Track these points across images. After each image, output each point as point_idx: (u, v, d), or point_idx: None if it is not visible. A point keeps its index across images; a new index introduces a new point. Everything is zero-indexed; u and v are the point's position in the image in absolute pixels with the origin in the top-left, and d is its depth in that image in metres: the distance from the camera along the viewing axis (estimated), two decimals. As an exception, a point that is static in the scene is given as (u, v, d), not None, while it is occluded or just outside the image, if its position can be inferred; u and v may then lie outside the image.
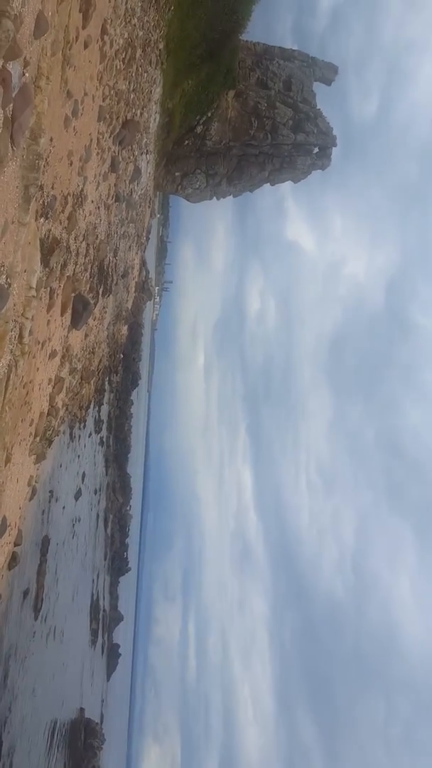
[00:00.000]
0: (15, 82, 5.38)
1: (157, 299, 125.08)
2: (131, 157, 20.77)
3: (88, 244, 14.55)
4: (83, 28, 9.49)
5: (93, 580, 35.70)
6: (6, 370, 7.42)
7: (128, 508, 58.39)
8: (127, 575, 60.59)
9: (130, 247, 29.12)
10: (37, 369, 10.64)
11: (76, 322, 13.23)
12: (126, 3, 14.28)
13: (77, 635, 29.22)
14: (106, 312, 23.74)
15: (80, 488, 25.89)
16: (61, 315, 11.97)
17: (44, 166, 8.05)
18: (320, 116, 39.10)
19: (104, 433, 39.43)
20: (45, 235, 9.04)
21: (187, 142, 36.67)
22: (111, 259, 20.94)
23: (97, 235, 16.22)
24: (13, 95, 5.37)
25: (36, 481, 14.00)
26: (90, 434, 30.79)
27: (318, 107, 39.71)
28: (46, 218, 8.95)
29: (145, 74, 20.90)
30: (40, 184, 7.70)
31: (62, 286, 11.57)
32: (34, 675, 17.08)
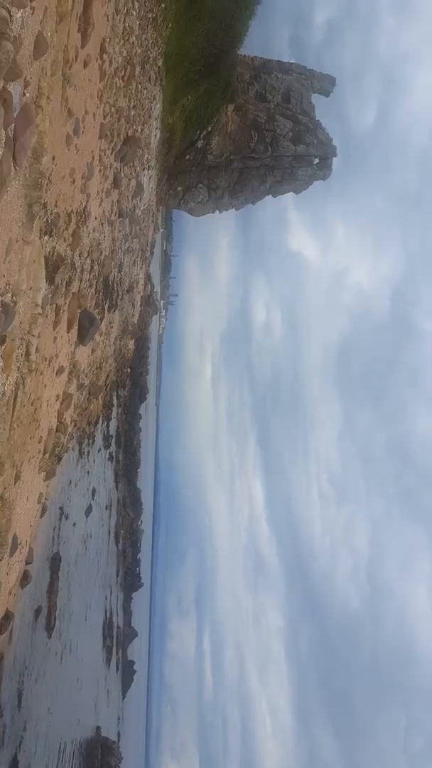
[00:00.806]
0: (16, 102, 5.44)
1: (163, 313, 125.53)
2: (133, 173, 20.94)
3: (92, 260, 14.63)
4: (82, 47, 9.61)
5: (106, 597, 35.54)
6: (14, 388, 7.43)
7: (139, 522, 58.18)
8: (140, 591, 60.34)
9: (134, 262, 29.27)
10: (45, 386, 10.66)
11: (82, 337, 13.29)
12: (124, 21, 14.47)
13: (91, 653, 29.03)
14: (112, 327, 23.81)
15: (90, 504, 25.84)
16: (68, 331, 12.01)
17: (47, 184, 8.12)
18: (320, 127, 39.33)
19: (113, 448, 39.41)
20: (50, 252, 9.10)
21: (188, 156, 36.96)
22: (116, 274, 21.04)
23: (102, 251, 16.31)
24: (15, 115, 5.42)
25: (46, 498, 13.98)
26: (99, 450, 30.78)
27: (317, 118, 39.97)
28: (51, 236, 9.01)
29: (145, 91, 21.11)
30: (43, 202, 7.76)
31: (68, 302, 11.62)
32: (49, 694, 16.95)
